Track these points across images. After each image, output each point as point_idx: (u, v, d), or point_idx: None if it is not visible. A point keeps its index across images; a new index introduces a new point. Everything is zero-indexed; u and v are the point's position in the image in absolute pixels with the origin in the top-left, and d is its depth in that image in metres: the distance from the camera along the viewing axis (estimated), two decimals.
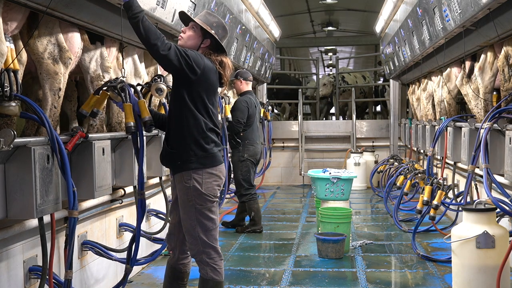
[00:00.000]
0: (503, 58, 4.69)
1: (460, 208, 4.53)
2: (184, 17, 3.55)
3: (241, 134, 6.59)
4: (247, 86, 6.80)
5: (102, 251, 4.08)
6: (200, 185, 3.35)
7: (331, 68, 14.22)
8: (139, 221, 3.70)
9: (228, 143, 6.35)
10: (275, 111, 14.88)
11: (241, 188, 6.70)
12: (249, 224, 6.76)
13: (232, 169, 6.80)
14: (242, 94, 6.78)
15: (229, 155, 6.58)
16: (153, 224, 5.44)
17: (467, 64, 5.72)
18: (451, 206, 5.54)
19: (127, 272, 3.82)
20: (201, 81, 3.33)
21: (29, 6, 3.00)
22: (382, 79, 13.99)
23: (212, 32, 3.42)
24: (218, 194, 3.46)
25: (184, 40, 3.44)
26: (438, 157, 7.00)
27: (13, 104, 2.98)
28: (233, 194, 8.26)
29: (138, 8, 3.16)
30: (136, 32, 3.19)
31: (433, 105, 7.49)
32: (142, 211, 3.70)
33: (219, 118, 6.30)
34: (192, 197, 3.36)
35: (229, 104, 6.84)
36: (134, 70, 4.63)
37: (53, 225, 3.14)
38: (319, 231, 5.83)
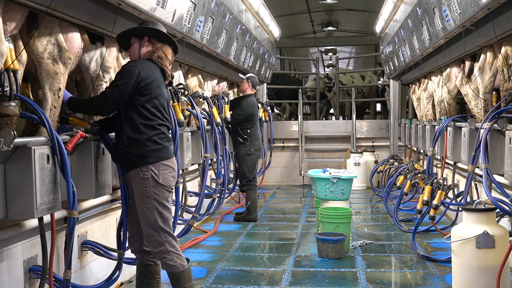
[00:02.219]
0: (502, 58, 4.69)
1: (460, 208, 4.53)
2: (120, 36, 3.75)
3: (248, 131, 7.24)
4: (250, 91, 7.46)
5: (102, 250, 4.08)
6: (157, 176, 3.54)
7: (331, 68, 14.19)
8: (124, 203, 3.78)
9: (228, 141, 6.55)
10: (276, 111, 14.89)
11: (244, 179, 7.29)
12: (245, 214, 7.31)
13: (237, 163, 7.37)
14: (245, 96, 7.40)
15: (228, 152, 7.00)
16: None
17: (467, 64, 5.72)
18: (451, 206, 5.54)
19: (120, 256, 3.85)
20: (144, 84, 3.53)
21: (29, 6, 3.00)
22: (381, 79, 13.99)
23: (139, 27, 3.65)
24: (173, 185, 3.66)
25: (131, 57, 3.74)
26: (438, 157, 7.00)
27: (13, 104, 2.98)
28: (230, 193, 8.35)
29: (72, 106, 3.63)
30: (88, 113, 3.82)
31: (433, 105, 7.49)
32: None
33: (218, 119, 6.36)
34: (150, 187, 3.52)
35: (228, 104, 6.97)
36: None
37: (53, 225, 3.14)
38: (319, 231, 5.84)
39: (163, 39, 3.70)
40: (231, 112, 7.15)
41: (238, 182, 7.61)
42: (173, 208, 5.72)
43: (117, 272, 3.87)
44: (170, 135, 3.80)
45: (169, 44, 3.73)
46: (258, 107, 7.51)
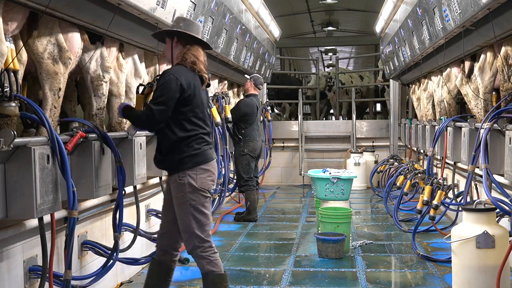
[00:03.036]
0: (502, 58, 4.68)
1: (460, 208, 4.53)
2: (156, 37, 3.82)
3: (243, 131, 7.30)
4: (254, 91, 7.53)
5: (102, 250, 4.08)
6: (195, 181, 3.53)
7: (331, 68, 14.19)
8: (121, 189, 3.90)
9: (228, 141, 6.63)
10: (276, 111, 14.89)
11: (241, 180, 7.37)
12: (245, 214, 7.37)
13: (234, 163, 7.48)
14: (247, 96, 7.56)
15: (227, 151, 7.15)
16: (153, 224, 5.44)
17: (467, 64, 5.72)
18: (451, 206, 5.53)
19: (116, 239, 3.85)
20: (185, 95, 3.54)
21: (29, 6, 3.00)
22: (381, 79, 13.98)
23: (174, 29, 3.61)
24: (212, 189, 3.65)
25: (165, 58, 3.86)
26: (438, 157, 7.00)
27: (13, 104, 2.98)
28: (232, 192, 8.36)
29: (129, 116, 3.67)
30: (139, 127, 3.81)
31: (433, 105, 7.49)
32: None
33: (218, 119, 6.36)
34: (186, 193, 3.53)
35: (229, 104, 7.01)
36: (134, 70, 4.64)
37: (53, 225, 3.15)
38: (319, 231, 5.83)
39: (193, 40, 3.63)
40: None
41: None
42: None
43: (114, 254, 3.84)
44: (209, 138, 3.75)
45: (199, 45, 3.67)
46: (258, 107, 7.45)
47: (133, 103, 4.59)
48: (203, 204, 3.56)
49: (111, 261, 3.85)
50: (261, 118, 7.71)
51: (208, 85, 3.75)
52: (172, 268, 3.78)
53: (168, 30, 3.68)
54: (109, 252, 4.08)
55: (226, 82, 8.36)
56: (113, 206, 4.47)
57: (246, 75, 7.70)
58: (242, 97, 9.05)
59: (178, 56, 3.63)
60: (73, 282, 3.66)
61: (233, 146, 7.53)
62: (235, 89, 9.20)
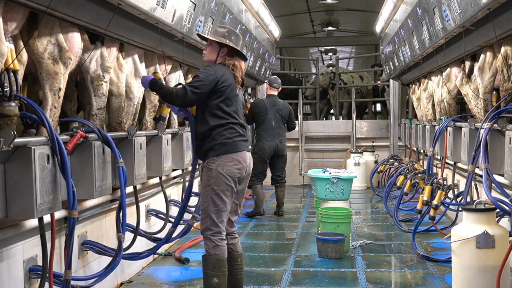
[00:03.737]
0: (502, 58, 4.68)
1: (460, 208, 4.53)
2: (202, 38, 4.20)
3: (255, 130, 7.75)
4: (271, 91, 7.90)
5: (103, 249, 4.09)
6: (221, 167, 3.85)
7: (331, 68, 14.16)
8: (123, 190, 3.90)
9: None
10: None
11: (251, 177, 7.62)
12: (253, 209, 7.69)
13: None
14: (266, 97, 7.98)
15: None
16: (153, 224, 5.44)
17: (467, 64, 5.72)
18: (451, 206, 5.53)
19: (119, 239, 3.86)
20: (219, 87, 3.89)
21: (29, 6, 3.00)
22: (380, 80, 13.97)
23: (226, 41, 3.98)
24: (239, 177, 3.91)
25: (206, 55, 4.07)
26: (438, 157, 7.00)
27: (13, 104, 2.98)
28: None
29: (158, 86, 3.94)
30: (163, 99, 4.05)
31: (433, 105, 7.49)
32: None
33: None
34: (212, 177, 3.85)
35: None
36: (134, 70, 4.63)
37: (53, 225, 3.15)
38: (319, 231, 5.83)
39: (237, 52, 4.04)
40: None
41: None
42: (176, 209, 5.76)
43: (118, 257, 3.83)
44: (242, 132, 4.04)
45: (242, 58, 4.11)
46: (267, 109, 7.69)
47: (133, 103, 4.60)
48: (224, 192, 3.86)
49: (115, 261, 3.84)
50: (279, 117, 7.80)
51: (242, 85, 4.12)
52: (234, 252, 4.07)
53: (226, 45, 3.99)
54: (110, 250, 4.09)
55: None
56: (113, 206, 4.49)
57: (265, 80, 8.35)
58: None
59: (219, 60, 4.02)
60: (77, 283, 3.67)
61: None
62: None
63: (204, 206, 3.90)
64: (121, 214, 3.92)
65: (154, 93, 4.01)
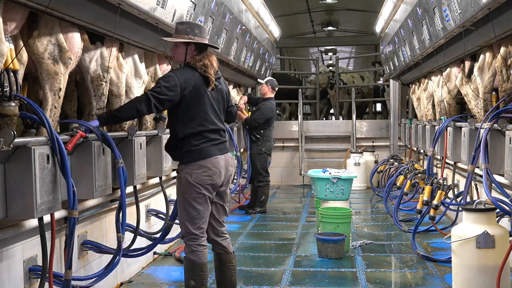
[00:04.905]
0: (501, 58, 4.68)
1: (460, 208, 4.53)
2: (165, 41, 4.09)
3: (262, 131, 7.95)
4: (271, 94, 8.15)
5: (102, 248, 4.09)
6: (190, 176, 3.79)
7: (331, 68, 14.16)
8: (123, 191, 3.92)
9: (229, 139, 7.05)
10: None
11: (260, 176, 8.03)
12: (257, 206, 8.04)
13: (250, 160, 8.07)
14: (265, 99, 8.09)
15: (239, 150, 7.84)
16: (153, 224, 5.44)
17: (467, 64, 5.72)
18: (451, 206, 5.53)
19: (119, 239, 3.86)
20: (183, 94, 3.76)
21: (29, 6, 3.00)
22: (381, 79, 13.97)
23: (190, 36, 3.83)
24: (211, 184, 3.82)
25: (175, 58, 3.97)
26: (438, 157, 7.00)
27: (13, 104, 2.98)
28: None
29: (108, 119, 3.82)
30: (125, 120, 4.01)
31: (433, 105, 7.49)
32: None
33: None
34: (181, 186, 3.84)
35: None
36: (135, 70, 4.63)
37: (53, 225, 3.14)
38: (319, 231, 5.83)
39: (206, 47, 3.91)
40: (252, 114, 7.96)
41: (237, 177, 8.09)
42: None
43: (117, 257, 3.83)
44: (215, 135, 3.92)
45: (212, 48, 3.98)
46: (276, 110, 8.31)
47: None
48: (195, 199, 3.80)
49: (115, 261, 3.84)
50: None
51: (215, 87, 3.90)
52: (226, 253, 4.03)
53: (188, 41, 3.84)
54: (110, 249, 4.08)
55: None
56: (113, 206, 4.49)
57: (259, 80, 8.39)
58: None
59: (190, 60, 3.86)
60: (76, 283, 3.66)
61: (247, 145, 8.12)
62: (235, 89, 9.20)
63: (179, 213, 3.91)
64: (121, 215, 3.92)
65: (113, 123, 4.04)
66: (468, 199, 4.84)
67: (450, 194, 5.62)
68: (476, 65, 5.33)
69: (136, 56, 4.63)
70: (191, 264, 3.87)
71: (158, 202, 5.52)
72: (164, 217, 5.25)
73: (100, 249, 4.10)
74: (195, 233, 3.84)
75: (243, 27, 7.16)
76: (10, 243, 3.20)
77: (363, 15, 13.57)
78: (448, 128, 6.08)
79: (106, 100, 4.17)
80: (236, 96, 9.01)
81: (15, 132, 2.80)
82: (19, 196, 2.97)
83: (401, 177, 7.54)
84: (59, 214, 3.40)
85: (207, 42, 3.90)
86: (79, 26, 3.63)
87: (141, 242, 4.85)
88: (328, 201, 5.99)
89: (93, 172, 3.66)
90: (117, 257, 3.81)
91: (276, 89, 8.27)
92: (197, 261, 3.85)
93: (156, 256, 5.48)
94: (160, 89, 3.71)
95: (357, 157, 10.47)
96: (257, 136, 7.96)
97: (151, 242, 4.59)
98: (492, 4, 4.03)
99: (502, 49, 4.65)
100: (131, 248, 4.33)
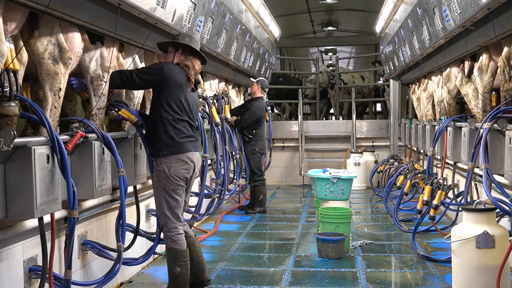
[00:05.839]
0: (504, 58, 4.68)
1: (460, 208, 4.53)
2: (160, 44, 4.40)
3: (254, 131, 7.99)
4: (260, 93, 8.21)
5: (102, 251, 4.08)
6: (168, 169, 4.09)
7: (331, 68, 14.17)
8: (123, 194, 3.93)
9: (227, 141, 7.02)
10: (275, 111, 14.88)
11: (255, 175, 8.08)
12: (256, 206, 8.05)
13: (246, 160, 8.09)
14: (255, 99, 8.15)
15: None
16: (153, 224, 5.44)
17: (467, 64, 5.72)
18: (451, 206, 5.53)
19: (119, 249, 3.84)
20: (166, 80, 4.10)
21: (29, 6, 3.00)
22: (381, 79, 13.98)
23: (179, 40, 4.23)
24: (186, 177, 4.16)
25: (166, 60, 4.31)
26: (438, 157, 7.00)
27: (13, 104, 2.98)
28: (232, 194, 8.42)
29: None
30: (114, 86, 4.20)
31: (433, 105, 7.49)
32: None
33: (218, 119, 6.41)
34: (161, 178, 4.09)
35: (228, 104, 7.08)
36: None
37: (53, 225, 3.14)
38: (319, 231, 5.83)
39: (195, 54, 4.29)
40: (241, 115, 7.93)
41: (237, 178, 8.07)
42: None
43: (117, 265, 3.82)
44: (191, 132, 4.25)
45: (199, 58, 4.32)
46: (267, 109, 8.34)
47: (133, 103, 4.59)
48: (175, 191, 4.11)
49: (115, 269, 3.82)
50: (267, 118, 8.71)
51: (193, 90, 4.30)
52: (189, 237, 4.32)
53: (177, 42, 4.25)
54: (110, 254, 4.08)
55: (224, 82, 8.38)
56: (113, 206, 4.49)
57: (251, 79, 8.37)
58: (242, 97, 9.57)
59: (177, 60, 4.25)
60: None
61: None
62: (235, 89, 9.19)
63: (158, 204, 4.16)
64: (120, 222, 3.91)
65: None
66: (468, 199, 4.84)
67: (450, 194, 5.62)
68: (476, 65, 5.33)
69: (136, 56, 4.63)
70: (174, 253, 4.12)
71: None
72: None
73: (100, 252, 4.09)
74: (175, 222, 4.12)
75: (243, 27, 7.16)
76: (10, 243, 3.20)
77: (363, 15, 13.57)
78: (448, 128, 6.08)
79: (106, 100, 4.16)
80: (235, 97, 9.01)
81: (15, 132, 2.80)
82: (19, 196, 2.97)
83: (401, 177, 7.54)
84: (59, 214, 3.40)
85: (192, 46, 4.24)
86: (79, 26, 3.63)
87: (142, 242, 4.86)
88: (328, 201, 5.99)
89: (93, 172, 3.66)
90: (118, 265, 3.82)
91: (266, 90, 8.38)
92: (179, 248, 4.12)
93: (156, 256, 5.48)
94: (144, 69, 4.18)
95: (357, 157, 10.47)
96: (250, 136, 8.02)
97: (151, 243, 4.59)
98: (492, 4, 4.03)
99: (505, 49, 4.65)
100: (132, 249, 4.33)
